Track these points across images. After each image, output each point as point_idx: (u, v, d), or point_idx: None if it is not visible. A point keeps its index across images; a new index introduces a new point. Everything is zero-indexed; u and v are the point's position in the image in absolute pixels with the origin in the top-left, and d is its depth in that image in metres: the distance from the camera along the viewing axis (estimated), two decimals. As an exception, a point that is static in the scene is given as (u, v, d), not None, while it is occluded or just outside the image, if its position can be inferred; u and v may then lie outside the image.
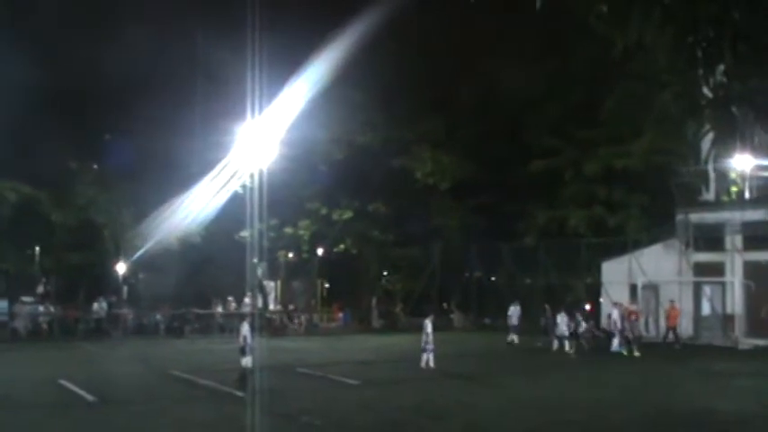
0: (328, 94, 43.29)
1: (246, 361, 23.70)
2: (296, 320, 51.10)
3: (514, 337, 41.02)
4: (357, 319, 54.67)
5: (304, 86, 41.31)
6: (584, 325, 40.32)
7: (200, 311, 47.91)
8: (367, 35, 40.39)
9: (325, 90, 42.59)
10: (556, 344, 37.71)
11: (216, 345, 38.35)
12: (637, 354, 35.37)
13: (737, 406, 21.86)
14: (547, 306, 42.29)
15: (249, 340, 24.28)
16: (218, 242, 49.46)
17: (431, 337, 29.74)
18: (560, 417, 19.65)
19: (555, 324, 38.46)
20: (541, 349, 37.95)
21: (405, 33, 46.27)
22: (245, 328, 24.64)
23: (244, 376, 23.23)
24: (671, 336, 39.42)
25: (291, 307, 53.37)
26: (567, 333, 37.80)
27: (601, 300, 48.29)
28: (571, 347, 37.00)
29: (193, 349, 37.81)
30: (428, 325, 29.89)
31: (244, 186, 43.68)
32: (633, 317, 39.07)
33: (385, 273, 62.65)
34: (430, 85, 52.54)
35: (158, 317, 46.78)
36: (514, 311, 42.33)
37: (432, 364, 29.36)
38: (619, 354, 36.79)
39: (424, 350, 29.66)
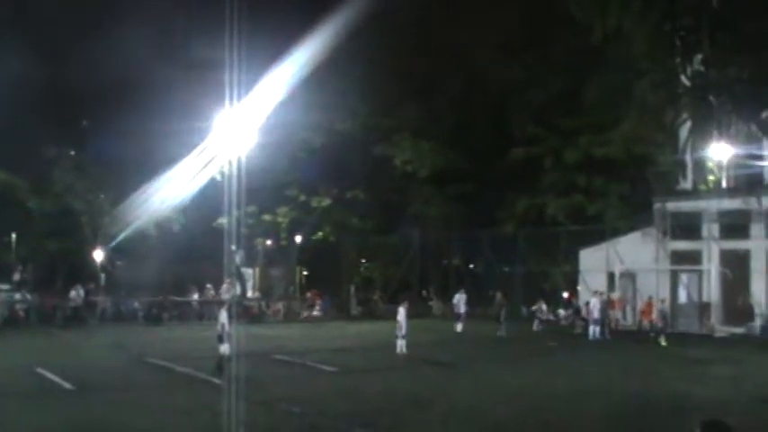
0: (308, 81, 43.11)
1: (224, 348, 23.68)
2: (273, 307, 51.01)
3: (461, 326, 40.69)
4: (335, 306, 54.61)
5: (284, 73, 41.13)
6: (561, 312, 40.58)
7: (179, 299, 47.77)
8: (348, 22, 40.23)
9: (305, 77, 42.42)
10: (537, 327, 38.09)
11: (194, 332, 38.24)
12: (664, 343, 35.42)
13: (714, 392, 22.02)
14: (498, 294, 42.34)
15: (227, 327, 24.27)
16: (196, 229, 49.30)
17: (404, 324, 29.96)
18: (539, 404, 19.73)
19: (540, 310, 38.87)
20: (515, 337, 38.00)
21: (387, 20, 46.16)
22: (224, 316, 24.63)
23: (222, 364, 23.19)
24: (645, 324, 39.62)
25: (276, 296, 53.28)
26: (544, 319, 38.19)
27: (578, 287, 48.46)
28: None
29: (171, 337, 37.71)
30: (401, 312, 30.16)
31: (222, 173, 43.50)
32: (616, 306, 39.36)
33: (363, 260, 62.63)
34: (411, 72, 52.46)
35: (136, 304, 46.58)
36: (460, 299, 42.24)
37: (404, 350, 29.56)
38: (595, 341, 37.03)
39: (398, 337, 29.93)
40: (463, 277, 56.60)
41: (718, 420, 5.95)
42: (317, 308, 52.87)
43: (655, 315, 38.56)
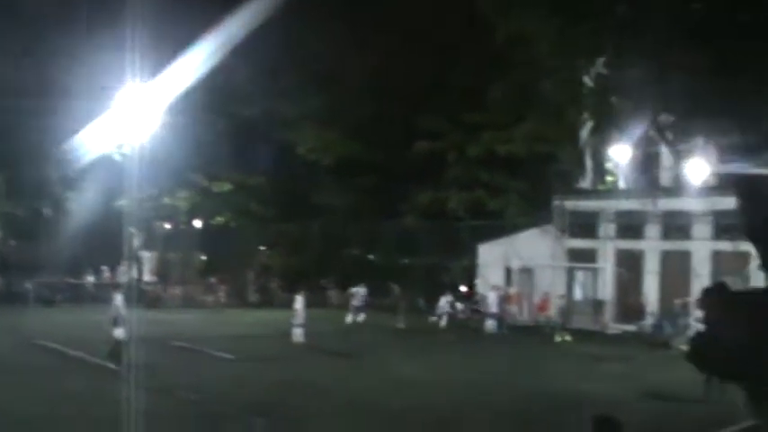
0: (213, 65, 42.67)
1: (119, 332, 23.36)
2: (171, 292, 50.49)
3: (353, 318, 40.47)
4: (233, 293, 54.20)
5: (189, 56, 40.67)
6: (458, 306, 40.91)
7: (73, 281, 46.87)
8: (255, 7, 39.94)
9: (210, 61, 41.98)
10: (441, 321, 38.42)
11: (88, 315, 37.50)
12: (568, 338, 36.15)
13: (603, 388, 22.51)
14: (396, 286, 42.45)
15: (122, 311, 23.97)
16: (93, 210, 48.40)
17: (302, 314, 30.09)
18: (433, 398, 19.90)
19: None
20: (413, 329, 38.19)
21: (293, 8, 45.89)
22: (119, 299, 24.31)
23: (116, 349, 22.89)
24: (542, 320, 40.03)
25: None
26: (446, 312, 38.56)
27: (477, 281, 48.96)
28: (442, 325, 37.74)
29: (65, 320, 37.05)
30: (299, 301, 30.35)
31: (123, 154, 42.84)
32: (513, 300, 39.89)
33: (263, 247, 62.29)
34: (318, 61, 52.29)
35: (28, 285, 45.48)
36: (358, 291, 42.18)
37: (302, 339, 29.67)
38: (493, 335, 37.49)
39: (294, 325, 30.15)
40: (363, 268, 56.69)
41: (609, 416, 6.10)
42: (222, 294, 52.48)
43: (553, 311, 39.23)
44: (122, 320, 23.85)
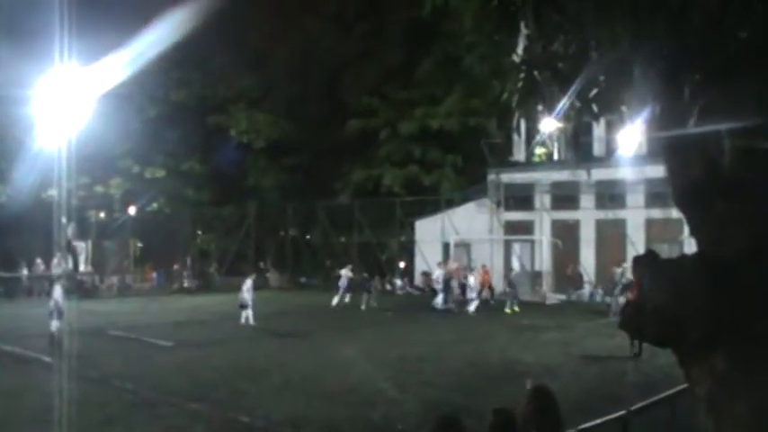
0: (143, 53, 42.15)
1: (55, 324, 23.16)
2: (107, 282, 49.96)
3: (340, 299, 40.28)
4: (171, 279, 53.85)
5: (116, 41, 40.11)
6: (398, 282, 41.00)
7: (5, 274, 46.01)
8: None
9: (140, 46, 41.47)
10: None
11: (22, 309, 37.02)
12: (517, 309, 36.53)
13: (544, 357, 22.84)
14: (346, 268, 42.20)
15: (60, 303, 23.76)
16: (23, 201, 47.60)
17: (250, 296, 30.14)
18: (377, 373, 19.94)
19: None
20: (356, 307, 38.19)
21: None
22: (57, 291, 24.12)
23: (55, 340, 22.70)
24: (485, 293, 40.11)
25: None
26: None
27: (415, 258, 49.20)
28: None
29: (-2, 313, 36.44)
30: (247, 283, 30.44)
31: (52, 143, 42.14)
32: (460, 274, 40.13)
33: (199, 232, 61.94)
34: (246, 43, 51.95)
35: (-41, 280, 44.69)
36: (345, 274, 41.87)
37: (251, 322, 29.70)
38: (441, 311, 37.62)
39: (243, 307, 30.35)
40: (300, 248, 56.69)
41: (544, 385, 6.13)
42: (153, 281, 52.14)
43: (504, 283, 39.69)
44: (59, 312, 23.67)
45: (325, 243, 56.41)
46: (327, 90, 55.92)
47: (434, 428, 5.91)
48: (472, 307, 37.19)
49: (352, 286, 40.19)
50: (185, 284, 52.64)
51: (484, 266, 41.13)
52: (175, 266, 55.13)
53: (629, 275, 28.31)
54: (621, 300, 30.33)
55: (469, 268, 41.41)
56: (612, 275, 34.85)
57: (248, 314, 30.19)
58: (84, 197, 50.23)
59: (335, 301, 39.04)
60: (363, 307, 37.52)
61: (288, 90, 55.41)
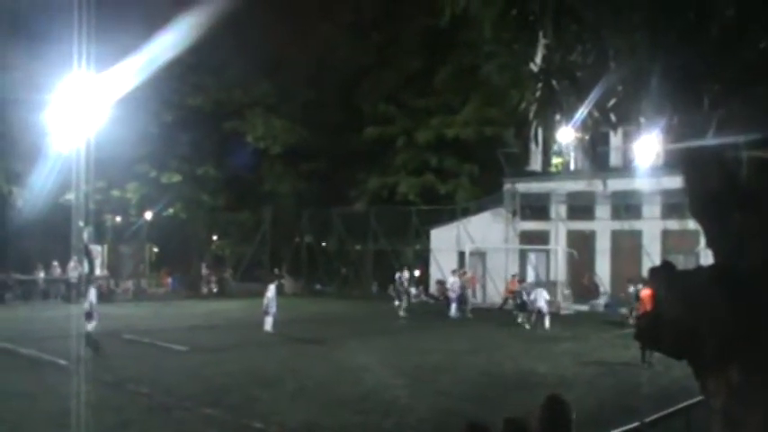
0: (161, 58, 42.28)
1: (92, 325, 23.52)
2: (122, 285, 50.07)
3: (406, 302, 40.07)
4: (186, 284, 53.93)
5: (133, 47, 40.25)
6: (413, 291, 40.96)
7: (23, 277, 46.18)
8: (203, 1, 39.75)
9: (158, 53, 41.60)
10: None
11: (39, 312, 37.17)
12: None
13: (558, 367, 22.78)
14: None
15: (95, 304, 24.16)
16: (41, 205, 47.78)
17: (273, 302, 30.33)
18: (390, 381, 19.93)
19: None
20: (373, 314, 38.16)
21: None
22: (92, 293, 24.47)
23: (93, 341, 23.01)
24: (511, 303, 39.54)
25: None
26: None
27: (431, 266, 49.18)
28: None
29: (14, 316, 36.49)
30: (271, 289, 30.67)
31: (70, 147, 42.29)
32: (470, 283, 40.05)
33: (215, 237, 62.02)
34: (263, 49, 52.02)
35: (-25, 282, 44.83)
36: (402, 277, 41.65)
37: (269, 327, 29.77)
38: (456, 319, 37.57)
39: (267, 314, 30.28)
40: (315, 255, 56.74)
41: (558, 395, 6.12)
42: (169, 286, 52.26)
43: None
44: (96, 314, 24.06)
45: (340, 250, 56.44)
46: (344, 97, 55.98)
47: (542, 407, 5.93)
48: (453, 310, 37.28)
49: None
50: (201, 290, 52.75)
51: (513, 276, 40.84)
52: (191, 272, 55.23)
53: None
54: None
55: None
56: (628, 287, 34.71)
57: (269, 320, 30.17)
58: (100, 201, 50.29)
59: (404, 304, 38.99)
60: (402, 314, 37.58)
61: (304, 96, 55.49)
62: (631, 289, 34.57)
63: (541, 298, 34.15)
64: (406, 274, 41.07)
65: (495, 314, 38.96)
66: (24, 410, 16.27)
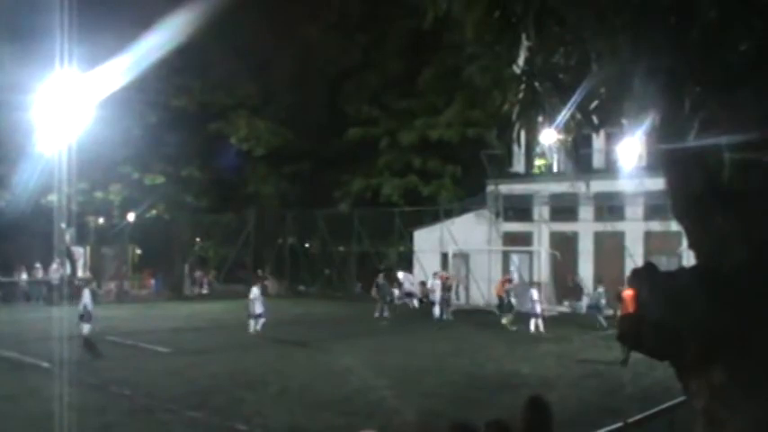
0: (144, 59, 42.14)
1: (87, 328, 23.48)
2: (105, 287, 49.87)
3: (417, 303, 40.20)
4: (169, 286, 53.79)
5: (117, 47, 40.13)
6: (396, 292, 40.91)
7: (4, 279, 45.96)
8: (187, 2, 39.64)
9: (140, 53, 41.47)
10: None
11: (21, 314, 37.03)
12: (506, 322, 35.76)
13: (541, 368, 22.82)
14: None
15: (90, 307, 24.10)
16: (23, 206, 47.56)
17: (258, 304, 30.33)
18: (374, 383, 19.93)
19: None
20: (356, 316, 38.14)
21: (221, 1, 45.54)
22: (87, 295, 24.39)
23: (90, 344, 23.00)
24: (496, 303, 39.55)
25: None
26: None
27: (414, 268, 49.15)
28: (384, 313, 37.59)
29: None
30: (254, 291, 30.68)
31: (52, 148, 42.11)
32: (453, 284, 40.06)
33: (198, 239, 61.91)
34: (247, 50, 51.93)
35: (-45, 284, 44.56)
36: (407, 278, 41.60)
37: (258, 329, 29.79)
38: (439, 320, 37.60)
39: (250, 316, 30.27)
40: (298, 256, 56.71)
41: (540, 396, 6.14)
42: (152, 287, 52.11)
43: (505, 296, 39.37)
44: (90, 316, 24.04)
45: (323, 252, 56.43)
46: (328, 99, 55.96)
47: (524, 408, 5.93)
48: (436, 312, 37.33)
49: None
50: (183, 291, 52.63)
51: (504, 276, 40.83)
52: (174, 273, 55.08)
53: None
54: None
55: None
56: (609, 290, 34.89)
57: (252, 323, 30.08)
58: (83, 203, 50.07)
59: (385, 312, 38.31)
60: (386, 314, 37.47)
61: (288, 98, 55.40)
62: (600, 289, 34.92)
63: (537, 302, 34.24)
64: (400, 275, 41.25)
65: (483, 316, 38.91)
66: (6, 413, 16.22)
